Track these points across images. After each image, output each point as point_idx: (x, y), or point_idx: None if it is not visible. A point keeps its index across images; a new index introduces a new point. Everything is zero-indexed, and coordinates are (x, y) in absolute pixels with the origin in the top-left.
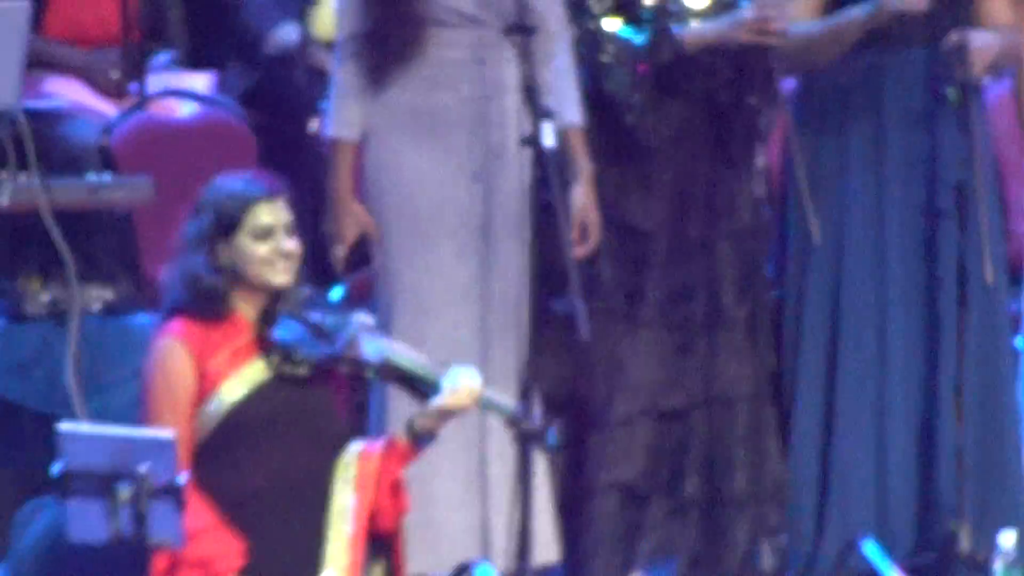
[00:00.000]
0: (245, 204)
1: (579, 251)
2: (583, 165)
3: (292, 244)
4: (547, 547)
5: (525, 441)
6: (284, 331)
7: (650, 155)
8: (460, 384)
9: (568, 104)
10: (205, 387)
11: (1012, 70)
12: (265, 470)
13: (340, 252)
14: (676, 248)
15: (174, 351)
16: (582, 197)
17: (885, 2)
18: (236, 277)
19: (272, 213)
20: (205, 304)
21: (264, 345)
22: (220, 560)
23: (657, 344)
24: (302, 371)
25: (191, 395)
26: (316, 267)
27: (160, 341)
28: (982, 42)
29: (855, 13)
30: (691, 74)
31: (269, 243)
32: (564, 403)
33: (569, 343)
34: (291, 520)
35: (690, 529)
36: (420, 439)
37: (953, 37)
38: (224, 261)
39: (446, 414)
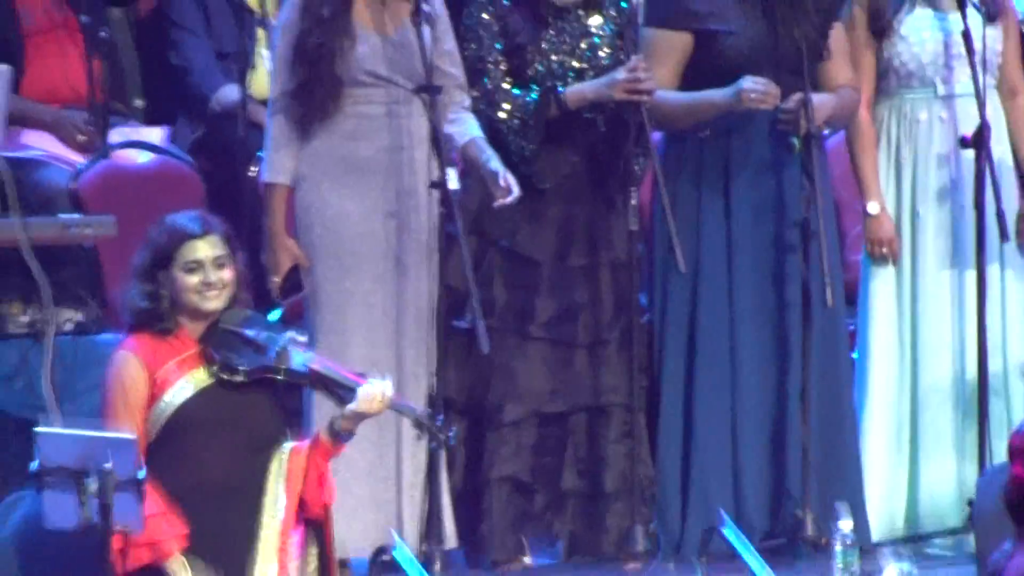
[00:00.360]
0: (178, 241)
1: (508, 200)
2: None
3: (220, 275)
4: (449, 537)
5: (430, 440)
6: (223, 345)
7: (540, 195)
8: (374, 391)
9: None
10: (155, 392)
11: (846, 123)
12: (206, 464)
13: (276, 280)
14: (561, 275)
15: (128, 362)
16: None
17: (743, 99)
18: (174, 302)
19: (201, 250)
20: (151, 324)
21: (206, 356)
22: (166, 542)
23: (544, 357)
24: (239, 379)
25: (143, 399)
26: (257, 292)
27: (117, 354)
28: (820, 100)
29: (715, 98)
30: (574, 126)
31: (198, 275)
32: (464, 407)
33: (469, 356)
34: (230, 508)
35: (570, 517)
36: (340, 437)
37: (796, 96)
38: (164, 289)
39: (362, 416)
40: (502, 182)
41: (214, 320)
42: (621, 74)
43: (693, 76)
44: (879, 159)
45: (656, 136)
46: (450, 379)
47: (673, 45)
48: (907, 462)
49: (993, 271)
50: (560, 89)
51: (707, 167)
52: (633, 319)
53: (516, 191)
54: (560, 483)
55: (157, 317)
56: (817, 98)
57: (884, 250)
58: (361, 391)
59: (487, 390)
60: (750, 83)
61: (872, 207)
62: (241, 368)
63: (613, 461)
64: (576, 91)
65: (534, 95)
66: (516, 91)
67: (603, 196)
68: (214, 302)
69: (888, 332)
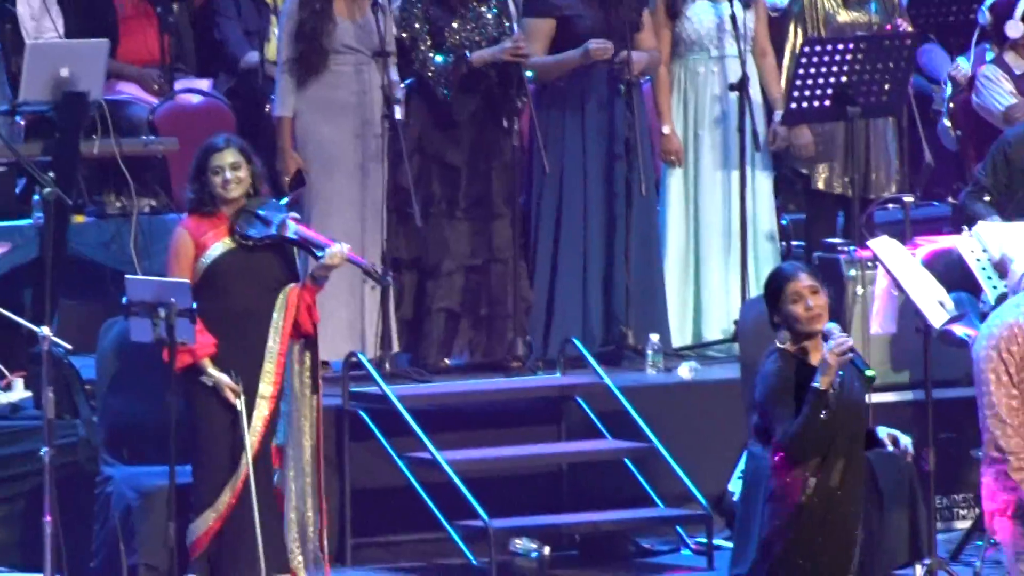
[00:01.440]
0: (210, 153)
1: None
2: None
3: (236, 174)
4: (396, 344)
5: (376, 283)
6: (243, 220)
7: (457, 125)
8: (335, 251)
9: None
10: (198, 252)
11: (652, 74)
12: (231, 299)
13: (285, 179)
14: (473, 174)
15: (182, 234)
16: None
17: (591, 54)
18: (212, 195)
19: (222, 158)
20: (199, 208)
21: (231, 228)
22: (202, 348)
23: (465, 230)
24: (250, 243)
25: (191, 257)
26: (274, 187)
27: (176, 229)
28: (637, 57)
29: (573, 55)
30: (478, 79)
31: (220, 176)
32: (411, 264)
33: (415, 230)
34: (248, 330)
35: (482, 335)
36: (317, 281)
37: (622, 54)
38: (204, 186)
39: (330, 267)
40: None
41: (241, 205)
42: (508, 43)
43: (557, 46)
44: (672, 99)
45: (532, 85)
46: (401, 245)
47: (542, 28)
48: (693, 293)
49: (748, 171)
50: (468, 55)
51: (567, 103)
52: (516, 202)
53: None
54: (478, 311)
55: (202, 203)
56: (635, 55)
57: (673, 158)
58: (328, 251)
59: (428, 252)
60: (595, 44)
61: (666, 129)
62: (252, 235)
63: (507, 292)
64: (479, 55)
65: (450, 59)
66: (438, 57)
67: (496, 123)
68: (233, 192)
69: (678, 210)
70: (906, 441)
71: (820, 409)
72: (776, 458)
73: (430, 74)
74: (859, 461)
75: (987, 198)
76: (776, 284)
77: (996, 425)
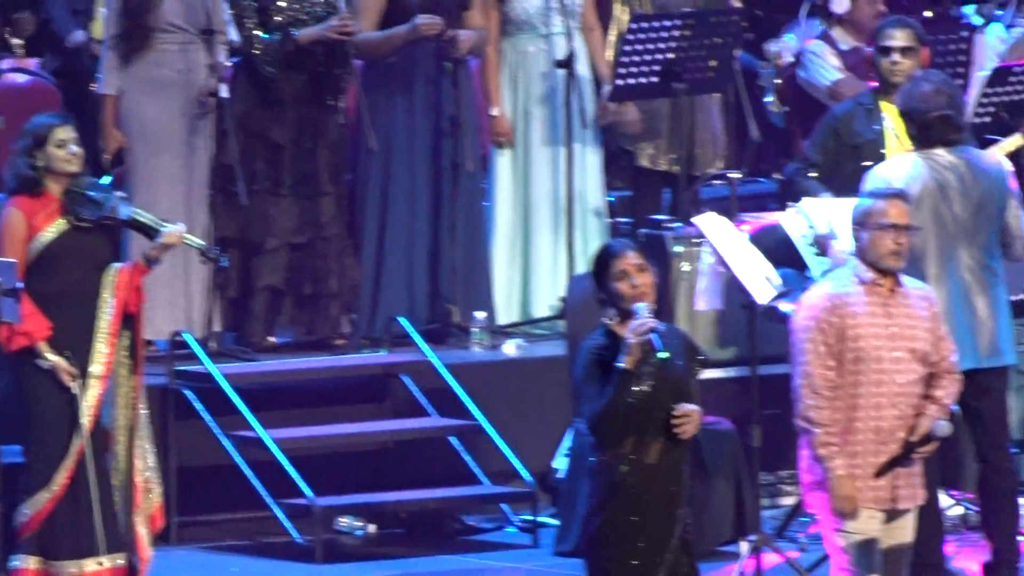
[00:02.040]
0: (50, 128)
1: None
2: None
3: (76, 149)
4: (222, 322)
5: (211, 264)
6: (74, 202)
7: (282, 103)
8: (173, 231)
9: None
10: (31, 233)
11: (481, 53)
12: (63, 280)
13: (107, 157)
14: (297, 152)
15: (13, 213)
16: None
17: (419, 29)
18: (48, 171)
19: (65, 132)
20: (29, 188)
21: (64, 209)
22: (37, 332)
23: (289, 207)
24: (85, 224)
25: (23, 237)
26: (94, 166)
27: (5, 209)
28: (465, 35)
29: (401, 31)
30: (304, 57)
31: (64, 149)
32: (236, 242)
33: (239, 207)
34: (78, 310)
35: (307, 313)
36: (151, 262)
37: (449, 32)
38: (39, 162)
39: (167, 247)
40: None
41: (68, 185)
42: (334, 21)
43: (387, 22)
44: (502, 78)
45: (359, 63)
46: (226, 224)
47: (372, 4)
48: (520, 270)
49: (576, 148)
50: (294, 32)
51: (394, 81)
52: (342, 180)
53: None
54: (302, 289)
55: (32, 181)
56: (462, 33)
57: (502, 140)
58: (164, 231)
59: (252, 230)
60: (423, 19)
61: (494, 111)
62: (86, 217)
63: (332, 271)
64: (305, 33)
65: (276, 36)
66: (264, 35)
67: (322, 101)
68: (74, 166)
69: (507, 187)
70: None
71: (625, 389)
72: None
73: (256, 52)
74: (681, 440)
75: (815, 174)
76: (603, 261)
77: (809, 395)
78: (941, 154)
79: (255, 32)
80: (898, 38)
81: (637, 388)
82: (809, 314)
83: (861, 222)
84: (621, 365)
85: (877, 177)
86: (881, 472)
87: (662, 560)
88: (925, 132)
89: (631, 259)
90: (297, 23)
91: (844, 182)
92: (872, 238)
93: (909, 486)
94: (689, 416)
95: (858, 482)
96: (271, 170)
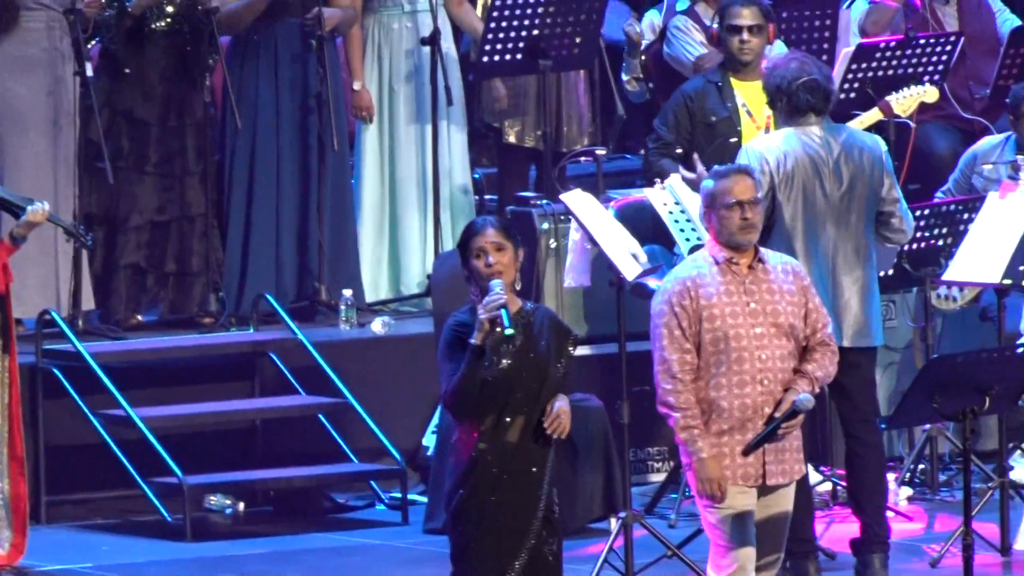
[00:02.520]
0: None
1: None
2: None
3: None
4: (88, 301)
5: (77, 242)
6: None
7: (147, 80)
8: (37, 209)
9: None
10: None
11: (347, 31)
12: None
13: None
14: (163, 130)
15: None
16: None
17: None
18: None
19: None
20: None
21: None
22: None
23: (154, 185)
24: None
25: None
26: None
27: None
28: (329, 13)
29: None
30: (169, 34)
31: None
32: (102, 219)
33: (105, 184)
34: None
35: (169, 291)
36: (16, 240)
37: (314, 11)
38: None
39: (32, 225)
40: None
41: None
42: None
43: None
44: (366, 54)
45: (225, 39)
46: (92, 201)
47: None
48: (388, 248)
49: (442, 125)
50: (128, 3)
51: (260, 59)
52: (209, 159)
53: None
54: (164, 267)
55: None
56: (328, 11)
57: (364, 114)
58: (29, 208)
59: (118, 207)
60: None
61: (356, 85)
62: None
63: (197, 249)
64: (138, 3)
65: (112, 12)
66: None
67: (188, 78)
68: None
69: (373, 165)
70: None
71: (476, 366)
72: None
73: (102, 29)
74: (542, 420)
75: (676, 151)
76: (465, 238)
77: (666, 380)
78: (815, 130)
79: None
80: (746, 16)
81: (490, 365)
82: (663, 299)
83: (709, 204)
84: (472, 342)
85: (751, 151)
86: (748, 450)
87: (523, 540)
88: (794, 102)
89: (489, 237)
90: (161, 1)
91: (703, 160)
92: (720, 217)
93: (780, 462)
94: (558, 417)
95: (727, 460)
96: (135, 147)
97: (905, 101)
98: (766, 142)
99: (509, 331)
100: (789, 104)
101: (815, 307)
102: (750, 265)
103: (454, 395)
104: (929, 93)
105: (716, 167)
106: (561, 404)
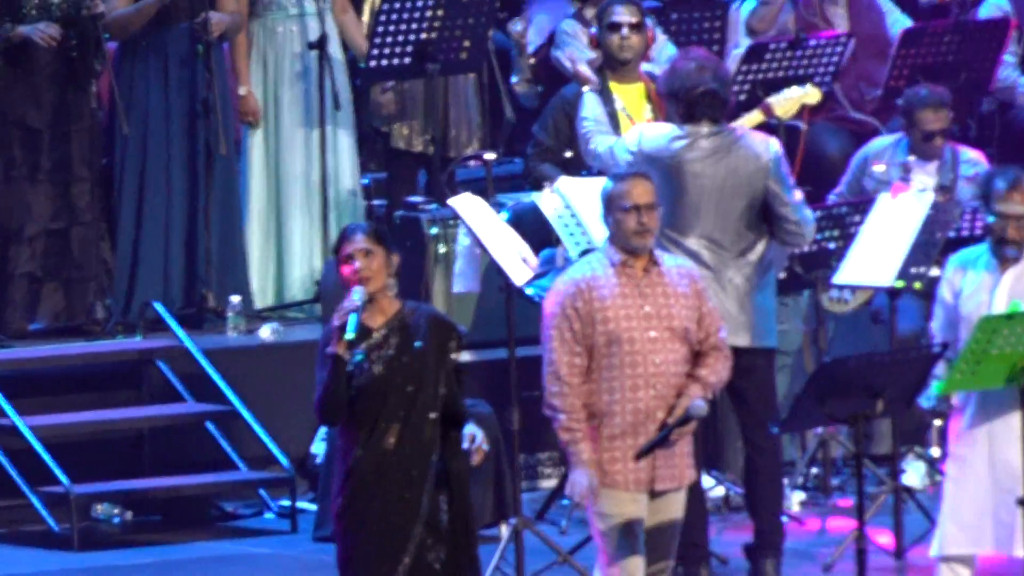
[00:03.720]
0: None
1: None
2: None
3: None
4: None
5: None
6: None
7: (38, 87)
8: None
9: None
10: None
11: (235, 35)
12: None
13: None
14: (55, 137)
15: None
16: None
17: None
18: None
19: None
20: None
21: None
22: None
23: (47, 192)
24: None
25: None
26: None
27: None
28: (217, 18)
29: (149, 1)
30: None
31: None
32: None
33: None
34: None
35: (64, 298)
36: None
37: (202, 15)
38: None
39: None
40: None
41: None
42: (41, 27)
43: None
44: (251, 58)
45: (113, 45)
46: None
47: None
48: (275, 254)
49: (329, 130)
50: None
51: (149, 63)
52: (97, 165)
53: None
54: (60, 275)
55: None
56: (215, 16)
57: (251, 119)
58: None
59: (11, 217)
60: None
61: (242, 90)
62: None
63: (87, 256)
64: (16, 32)
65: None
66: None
67: (75, 84)
68: None
69: (260, 170)
70: (480, 440)
71: (337, 374)
72: None
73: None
74: (421, 424)
75: (564, 155)
76: (337, 244)
77: (553, 382)
78: (702, 130)
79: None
80: (624, 13)
81: (361, 373)
82: (555, 300)
83: (607, 205)
84: (328, 351)
85: (633, 134)
86: (640, 455)
87: (404, 546)
88: (690, 110)
89: (357, 243)
90: (48, 8)
91: (581, 166)
92: (617, 220)
93: (670, 467)
94: (479, 449)
95: (618, 465)
96: (28, 155)
97: (786, 103)
98: (648, 130)
99: (349, 335)
100: (685, 110)
101: (708, 311)
102: (645, 268)
103: (319, 404)
104: (810, 94)
105: (616, 171)
106: (475, 431)
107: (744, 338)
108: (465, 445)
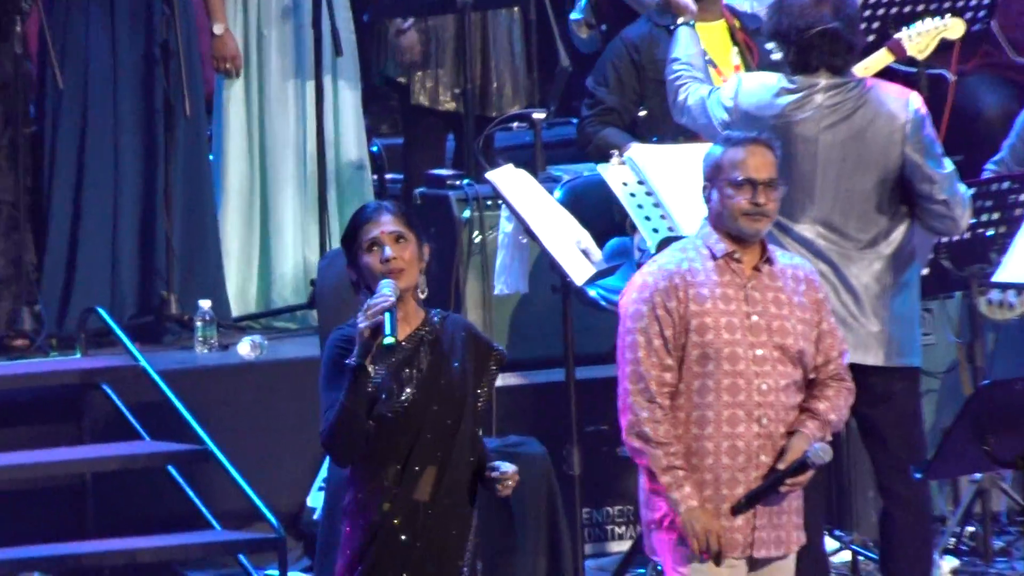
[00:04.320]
0: None
1: None
2: None
3: None
4: None
5: None
6: None
7: None
8: None
9: None
10: None
11: None
12: None
13: None
14: None
15: None
16: None
17: None
18: None
19: None
20: None
21: None
22: None
23: None
24: None
25: None
26: None
27: None
28: None
29: None
30: None
31: None
32: None
33: None
34: None
35: None
36: None
37: None
38: None
39: None
40: None
41: None
42: None
43: None
44: None
45: None
46: None
47: None
48: (259, 246)
49: (328, 81)
50: None
51: (91, 4)
52: (20, 130)
53: None
54: None
55: None
56: None
57: (228, 65)
58: None
59: None
60: None
61: (217, 29)
62: None
63: (4, 250)
64: None
65: None
66: None
67: None
68: None
69: (239, 136)
70: (510, 469)
71: (358, 393)
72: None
73: None
74: (461, 468)
75: (610, 119)
76: (353, 229)
77: (641, 404)
78: (819, 82)
79: None
80: None
81: (388, 396)
82: (640, 297)
83: (711, 177)
84: (351, 361)
85: (731, 85)
86: (739, 509)
87: None
88: (804, 56)
89: (386, 225)
90: None
91: (660, 128)
92: (723, 197)
93: (774, 527)
94: (508, 478)
95: None
96: None
97: (920, 39)
98: (747, 84)
99: (389, 339)
100: (797, 56)
101: (829, 329)
102: (755, 265)
103: (330, 434)
104: (951, 27)
105: (729, 132)
106: (512, 468)
107: (876, 355)
108: (493, 475)
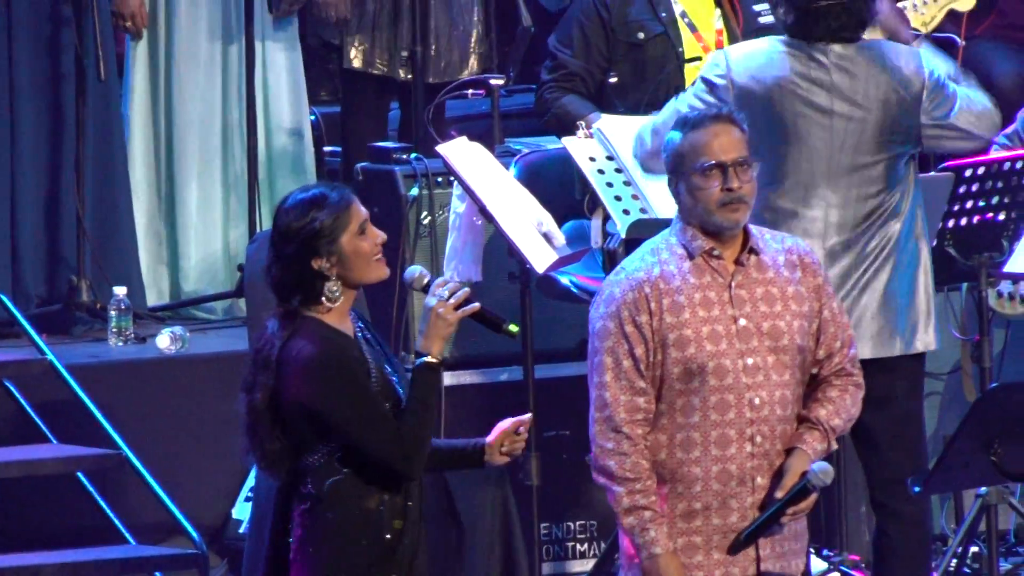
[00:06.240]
0: None
1: None
2: None
3: None
4: None
5: None
6: None
7: None
8: None
9: None
10: None
11: None
12: None
13: None
14: None
15: None
16: None
17: None
18: None
19: None
20: None
21: None
22: None
23: None
24: None
25: None
26: None
27: None
28: None
29: None
30: None
31: None
32: None
33: None
34: None
35: None
36: None
37: None
38: None
39: None
40: None
41: None
42: None
43: None
44: None
45: None
46: None
47: None
48: (174, 227)
49: (259, 42)
50: None
51: None
52: None
53: None
54: None
55: None
56: None
57: (128, 23)
58: None
59: None
60: None
61: None
62: None
63: None
64: None
65: None
66: None
67: None
68: None
69: (145, 102)
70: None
71: (431, 395)
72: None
73: None
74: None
75: (573, 85)
76: (330, 215)
77: (606, 435)
78: (821, 46)
79: None
80: None
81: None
82: (607, 311)
83: (674, 169)
84: (430, 360)
85: (715, 60)
86: (737, 547)
87: None
88: (809, 24)
89: (364, 210)
90: None
91: (630, 97)
92: (692, 189)
93: (777, 557)
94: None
95: (698, 555)
96: None
97: (927, 9)
98: (737, 52)
99: (514, 327)
100: (798, 24)
101: (832, 315)
102: (738, 259)
103: (422, 441)
104: None
105: (686, 113)
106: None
107: (877, 342)
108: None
